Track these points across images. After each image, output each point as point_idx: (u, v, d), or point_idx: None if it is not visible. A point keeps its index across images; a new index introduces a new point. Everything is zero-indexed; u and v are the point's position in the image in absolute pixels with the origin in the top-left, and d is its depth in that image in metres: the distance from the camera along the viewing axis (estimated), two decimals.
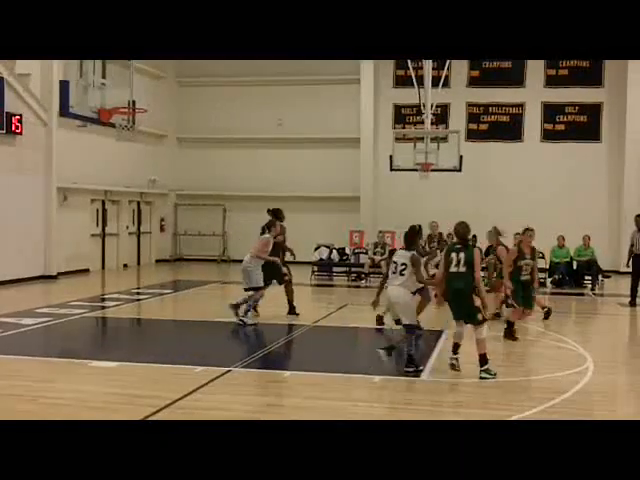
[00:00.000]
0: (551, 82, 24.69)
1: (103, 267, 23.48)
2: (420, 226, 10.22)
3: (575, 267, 20.58)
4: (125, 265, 24.67)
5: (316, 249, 22.61)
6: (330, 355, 10.87)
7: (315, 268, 22.17)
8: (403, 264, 9.28)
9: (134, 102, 20.66)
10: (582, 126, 24.53)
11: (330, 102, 25.81)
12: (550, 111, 24.67)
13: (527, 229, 12.61)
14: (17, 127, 18.60)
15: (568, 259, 20.52)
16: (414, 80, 20.34)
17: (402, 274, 9.27)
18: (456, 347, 9.34)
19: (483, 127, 25.21)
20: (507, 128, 25.00)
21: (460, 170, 20.29)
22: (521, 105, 24.91)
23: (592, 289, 19.87)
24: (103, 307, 15.59)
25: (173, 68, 26.93)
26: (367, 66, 25.02)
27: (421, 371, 9.17)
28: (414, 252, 9.45)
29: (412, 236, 9.66)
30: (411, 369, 9.10)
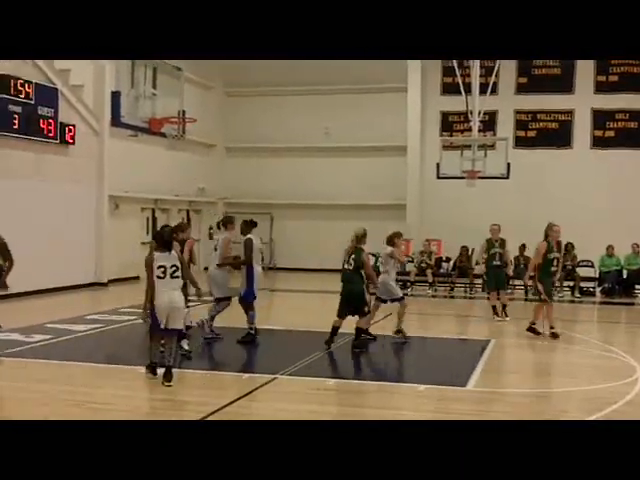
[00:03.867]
0: (601, 88, 24.29)
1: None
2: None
3: (625, 276, 20.25)
4: None
5: None
6: (374, 363, 10.89)
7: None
8: None
9: (184, 112, 21.03)
10: (633, 133, 24.10)
11: (377, 110, 25.83)
12: (600, 118, 24.27)
13: (552, 224, 12.63)
14: (70, 137, 19.03)
15: (618, 268, 20.20)
16: (461, 87, 20.23)
17: None
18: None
19: (531, 134, 24.96)
20: (556, 135, 24.69)
21: (508, 177, 20.13)
22: (570, 112, 24.59)
23: None
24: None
25: (221, 78, 27.24)
26: (414, 74, 24.97)
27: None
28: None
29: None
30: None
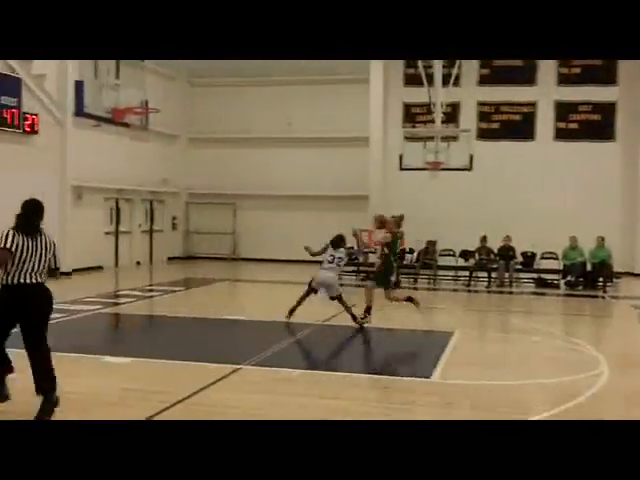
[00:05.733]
0: (563, 80, 24.55)
1: (116, 264, 23.72)
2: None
3: (590, 268, 20.33)
4: (138, 262, 24.90)
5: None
6: (338, 354, 11.00)
7: None
8: None
9: (147, 102, 20.95)
10: (596, 125, 24.37)
11: (339, 101, 25.92)
12: (563, 110, 24.55)
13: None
14: (33, 127, 18.84)
15: (582, 260, 20.32)
16: (424, 79, 20.36)
17: None
18: None
19: (494, 126, 25.17)
20: (519, 127, 24.90)
21: (471, 169, 20.35)
22: (533, 104, 24.83)
23: (604, 291, 19.67)
24: (116, 304, 15.79)
25: (185, 69, 27.09)
26: (376, 65, 25.01)
27: None
28: None
29: None
30: None
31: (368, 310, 12.71)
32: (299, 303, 12.91)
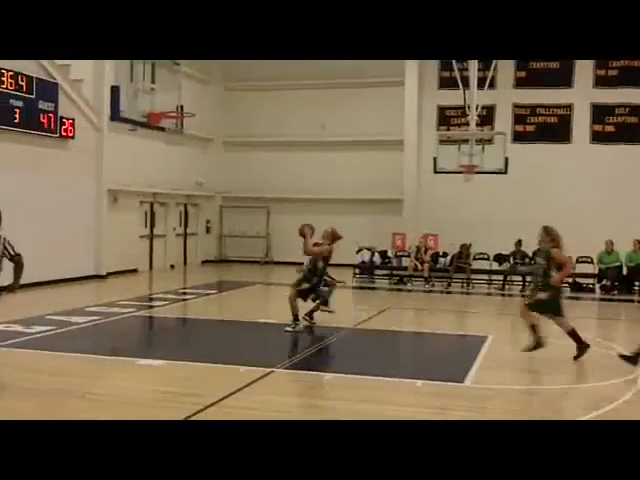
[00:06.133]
0: (600, 82, 24.22)
1: (151, 267, 23.91)
2: None
3: (626, 272, 20.13)
4: (172, 266, 25.08)
5: (358, 252, 22.68)
6: (370, 358, 10.96)
7: (357, 271, 22.26)
8: None
9: (182, 106, 21.05)
10: (632, 127, 24.01)
11: (373, 104, 25.87)
12: (599, 112, 24.21)
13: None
14: (70, 131, 19.10)
15: (618, 264, 20.09)
16: (459, 81, 20.24)
17: None
18: None
19: (530, 129, 24.94)
20: (555, 130, 24.61)
21: (506, 172, 20.17)
22: (569, 106, 24.56)
23: None
24: (150, 306, 15.93)
25: (219, 73, 27.27)
26: (411, 68, 24.95)
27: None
28: None
29: None
30: None
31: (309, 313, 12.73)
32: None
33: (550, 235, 10.18)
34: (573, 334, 10.33)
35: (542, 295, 10.16)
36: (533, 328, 10.14)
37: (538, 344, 10.13)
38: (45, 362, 9.70)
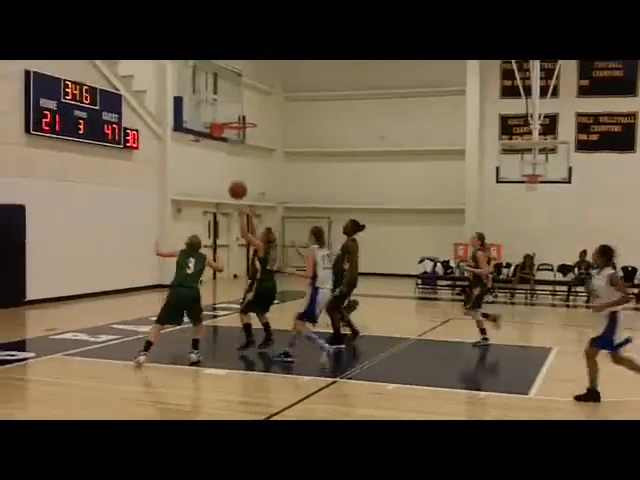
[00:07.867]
0: None
1: (214, 277, 24.15)
2: None
3: None
4: (235, 275, 25.32)
5: (420, 262, 22.60)
6: (433, 369, 10.91)
7: (419, 281, 22.16)
8: None
9: (244, 117, 21.29)
10: None
11: (435, 114, 25.79)
12: None
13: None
14: (134, 142, 19.49)
15: None
16: (521, 90, 20.07)
17: None
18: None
19: (593, 137, 24.58)
20: (619, 138, 24.26)
21: (569, 182, 19.89)
22: (634, 114, 24.15)
23: None
24: (214, 316, 16.11)
25: (281, 83, 27.52)
26: (473, 76, 24.84)
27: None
28: None
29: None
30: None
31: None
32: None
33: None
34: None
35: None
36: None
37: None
38: (111, 371, 9.89)
